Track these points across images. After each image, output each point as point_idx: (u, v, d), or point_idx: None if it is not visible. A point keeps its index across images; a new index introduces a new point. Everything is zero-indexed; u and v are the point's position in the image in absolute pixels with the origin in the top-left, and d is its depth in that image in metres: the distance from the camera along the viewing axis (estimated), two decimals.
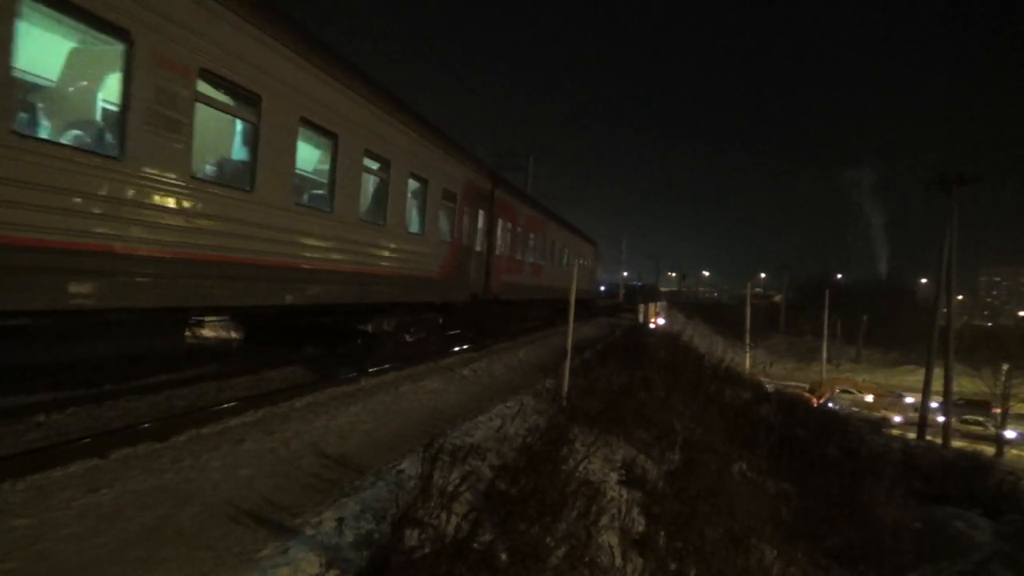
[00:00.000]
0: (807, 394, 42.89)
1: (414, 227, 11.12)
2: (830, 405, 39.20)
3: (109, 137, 5.43)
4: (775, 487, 11.75)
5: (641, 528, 6.26)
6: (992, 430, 39.02)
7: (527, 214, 19.24)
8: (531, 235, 19.84)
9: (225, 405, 6.85)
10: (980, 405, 42.97)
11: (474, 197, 13.98)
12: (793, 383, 48.27)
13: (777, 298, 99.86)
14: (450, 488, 4.41)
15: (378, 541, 3.88)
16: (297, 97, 7.33)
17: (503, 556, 4.07)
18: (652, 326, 32.76)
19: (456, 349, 13.71)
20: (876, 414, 41.99)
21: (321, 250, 8.06)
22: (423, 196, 11.26)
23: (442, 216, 12.30)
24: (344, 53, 8.57)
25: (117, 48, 5.13)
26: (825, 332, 45.42)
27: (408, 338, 11.20)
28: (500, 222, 15.92)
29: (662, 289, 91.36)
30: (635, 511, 6.50)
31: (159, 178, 5.48)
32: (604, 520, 5.63)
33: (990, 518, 14.10)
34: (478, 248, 14.50)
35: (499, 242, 16.01)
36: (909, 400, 45.54)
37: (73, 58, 5.84)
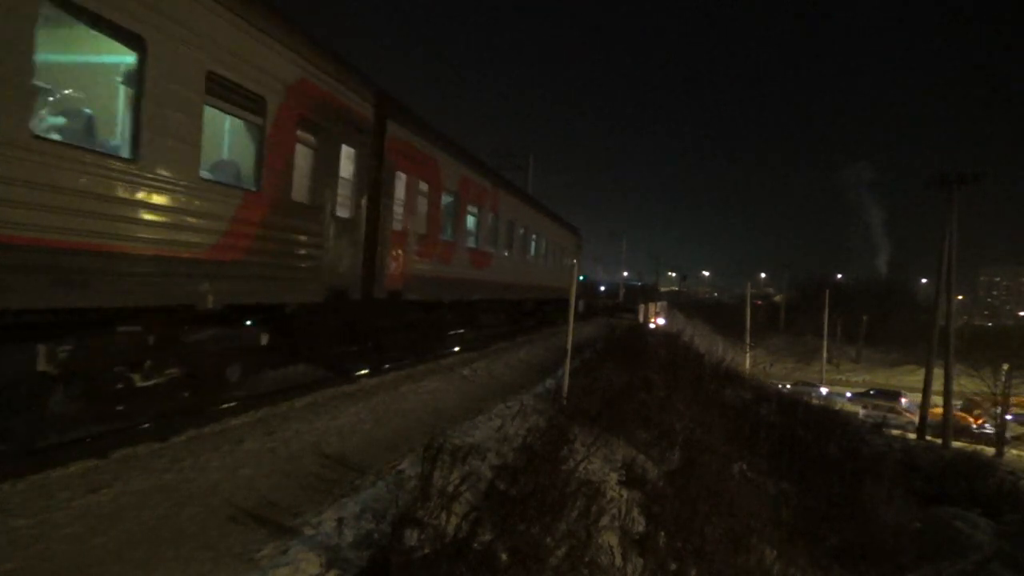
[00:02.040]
0: (962, 414, 38.58)
1: (106, 139, 5.54)
2: (987, 429, 31.83)
3: None
4: (775, 487, 11.76)
5: (641, 528, 6.26)
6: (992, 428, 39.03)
7: (463, 177, 13.09)
8: (471, 208, 13.92)
9: (225, 405, 6.85)
10: (891, 395, 45.26)
11: (326, 121, 7.94)
12: (791, 383, 48.16)
13: (777, 298, 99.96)
14: (450, 488, 4.40)
15: (378, 541, 3.88)
16: None
17: (503, 556, 4.07)
18: (652, 326, 32.79)
19: (456, 349, 13.70)
20: None
21: None
22: (136, 75, 5.32)
23: (222, 137, 7.06)
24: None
25: None
26: (825, 332, 45.44)
27: (140, 382, 5.76)
28: (402, 178, 10.15)
29: (662, 289, 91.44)
30: (635, 511, 6.50)
31: None
32: (604, 520, 5.64)
33: (990, 518, 14.12)
34: (345, 214, 8.63)
35: (399, 210, 10.18)
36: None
37: None
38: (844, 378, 63.34)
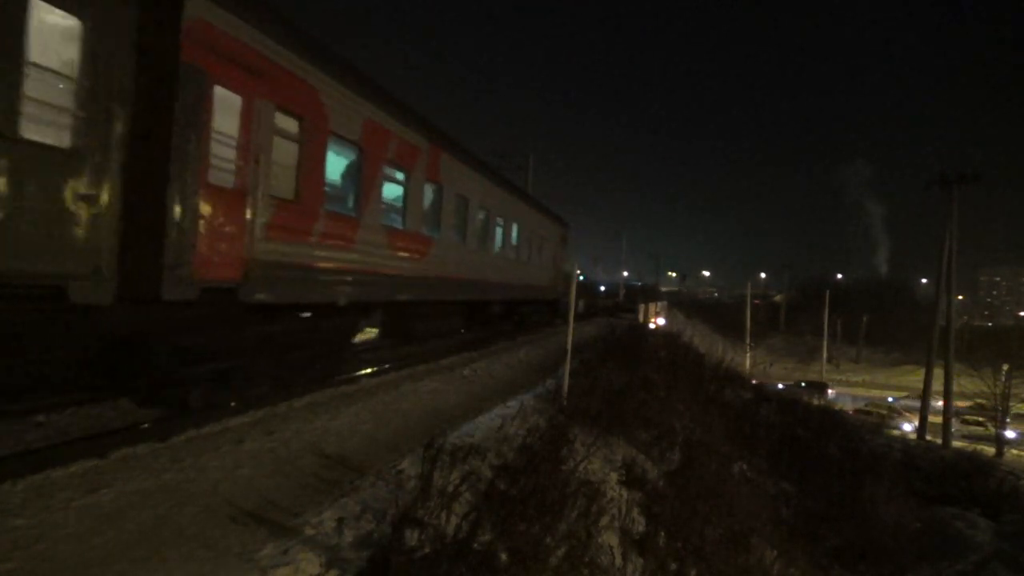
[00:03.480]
0: None
1: None
2: None
3: None
4: (775, 487, 11.77)
5: (641, 528, 6.26)
6: (992, 430, 39.10)
7: (371, 123, 9.00)
8: (391, 172, 9.91)
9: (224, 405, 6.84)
10: (820, 386, 46.18)
11: None
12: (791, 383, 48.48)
13: (777, 298, 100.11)
14: (450, 488, 4.41)
15: (378, 541, 3.89)
16: None
17: (503, 556, 4.08)
18: (652, 326, 32.77)
19: (456, 349, 13.67)
20: None
21: None
22: None
23: None
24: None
25: None
26: (825, 332, 45.59)
27: None
28: (232, 101, 6.36)
29: (662, 289, 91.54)
30: (635, 511, 6.51)
31: None
32: (604, 520, 5.64)
33: (990, 518, 14.13)
34: (47, 138, 4.78)
35: (226, 153, 6.36)
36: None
37: None
38: (844, 378, 63.44)
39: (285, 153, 7.27)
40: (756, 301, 71.27)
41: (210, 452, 5.36)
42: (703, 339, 39.75)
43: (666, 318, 43.06)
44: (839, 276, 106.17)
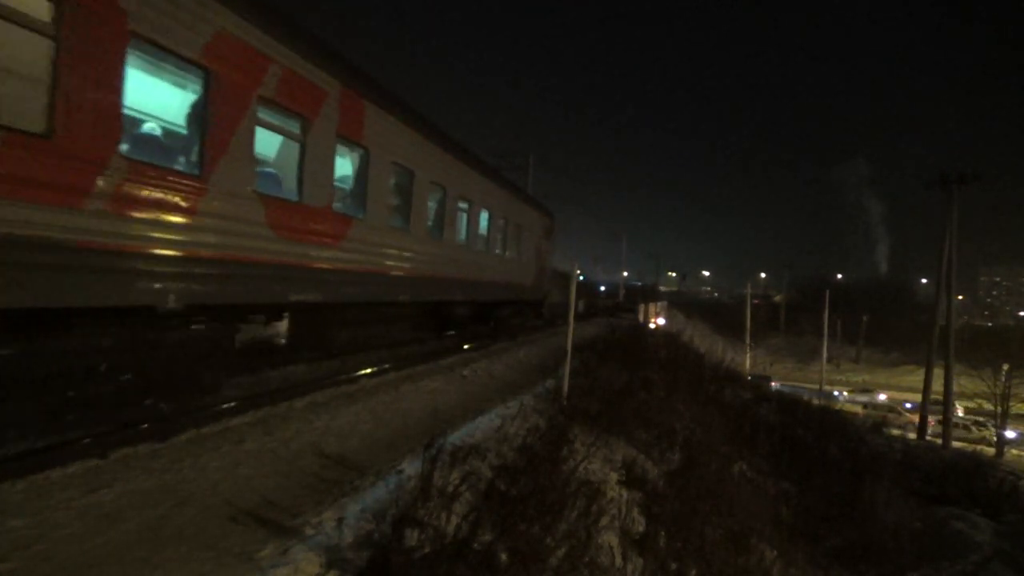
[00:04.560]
0: None
1: None
2: None
3: None
4: (775, 487, 11.77)
5: (641, 528, 6.27)
6: (992, 431, 39.13)
7: (227, 37, 5.87)
8: (272, 119, 6.87)
9: (225, 405, 6.85)
10: (764, 379, 46.11)
11: None
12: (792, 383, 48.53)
13: (777, 298, 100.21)
14: (450, 488, 4.41)
15: (378, 541, 3.89)
16: None
17: (503, 556, 4.08)
18: (652, 326, 32.77)
19: (455, 350, 13.68)
20: None
21: None
22: None
23: None
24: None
25: None
26: (825, 332, 45.64)
27: None
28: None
29: (662, 289, 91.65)
30: (635, 511, 6.51)
31: None
32: (604, 520, 5.64)
33: (990, 518, 14.13)
34: None
35: None
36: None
37: None
38: (844, 378, 63.51)
39: (19, 56, 4.37)
40: (756, 301, 71.27)
41: (210, 452, 5.36)
42: (703, 339, 39.76)
43: (666, 318, 43.11)
44: (839, 276, 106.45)
